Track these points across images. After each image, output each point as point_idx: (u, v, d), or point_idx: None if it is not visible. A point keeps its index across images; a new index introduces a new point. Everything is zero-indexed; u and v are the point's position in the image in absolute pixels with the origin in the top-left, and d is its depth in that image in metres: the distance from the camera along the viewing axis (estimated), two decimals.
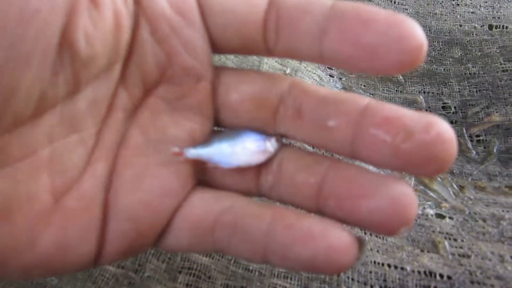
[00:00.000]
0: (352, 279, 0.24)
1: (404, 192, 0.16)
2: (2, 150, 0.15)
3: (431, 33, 0.46)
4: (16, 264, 0.16)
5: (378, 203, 0.16)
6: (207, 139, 0.19)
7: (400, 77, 0.44)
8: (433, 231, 0.28)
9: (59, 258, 0.16)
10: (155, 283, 0.24)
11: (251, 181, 0.19)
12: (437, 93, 0.41)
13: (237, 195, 0.19)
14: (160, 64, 0.18)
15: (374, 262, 0.25)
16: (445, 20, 0.46)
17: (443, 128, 0.15)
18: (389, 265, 0.25)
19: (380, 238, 0.28)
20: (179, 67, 0.18)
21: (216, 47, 0.18)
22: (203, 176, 0.19)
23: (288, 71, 0.38)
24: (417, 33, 0.15)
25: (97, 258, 0.17)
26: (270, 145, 0.19)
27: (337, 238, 0.16)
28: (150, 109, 0.19)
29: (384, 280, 0.24)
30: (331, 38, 0.16)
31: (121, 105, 0.18)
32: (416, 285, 0.24)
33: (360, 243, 0.16)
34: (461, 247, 0.27)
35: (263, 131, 0.19)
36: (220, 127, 0.20)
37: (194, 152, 0.19)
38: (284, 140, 0.19)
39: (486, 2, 0.47)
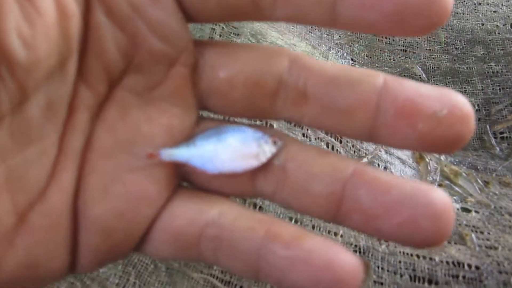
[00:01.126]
0: (382, 268, 0.25)
1: (444, 204, 0.14)
2: None
3: (453, 32, 0.46)
4: None
5: (416, 218, 0.14)
6: (189, 137, 0.16)
7: (423, 75, 0.44)
8: (460, 224, 0.29)
9: (28, 276, 0.15)
10: (191, 270, 0.26)
11: (245, 184, 0.17)
12: (460, 91, 0.42)
13: (226, 202, 0.16)
14: (123, 51, 0.15)
15: (403, 252, 0.26)
16: (467, 19, 0.47)
17: (465, 106, 0.15)
18: (417, 256, 0.26)
19: None
20: (146, 52, 0.15)
21: (194, 16, 0.16)
22: (186, 177, 0.17)
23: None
24: None
25: (70, 270, 0.16)
26: (265, 148, 0.16)
27: (342, 265, 0.14)
28: (118, 105, 0.16)
29: (413, 270, 0.25)
30: (348, 3, 0.14)
31: (84, 104, 0.15)
32: (445, 275, 0.25)
33: (366, 266, 0.16)
34: (488, 240, 0.28)
35: (258, 129, 0.17)
36: (213, 115, 0.18)
37: (171, 154, 0.16)
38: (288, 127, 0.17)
39: (508, 1, 0.47)
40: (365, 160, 0.33)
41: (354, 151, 0.33)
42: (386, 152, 0.34)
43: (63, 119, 0.15)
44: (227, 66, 0.16)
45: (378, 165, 0.33)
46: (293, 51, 0.16)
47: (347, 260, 0.14)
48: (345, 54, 0.46)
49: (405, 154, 0.35)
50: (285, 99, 0.16)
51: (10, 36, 0.12)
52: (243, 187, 0.17)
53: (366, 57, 0.45)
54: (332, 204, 0.15)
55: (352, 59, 0.46)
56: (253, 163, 0.16)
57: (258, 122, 0.21)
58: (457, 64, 0.44)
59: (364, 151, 0.33)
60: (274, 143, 0.16)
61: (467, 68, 0.43)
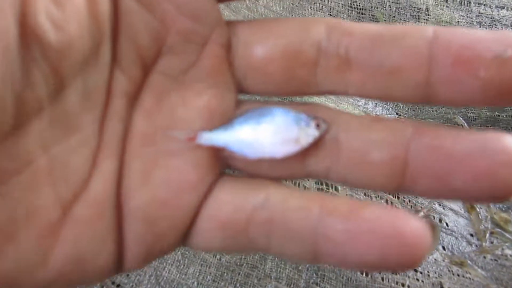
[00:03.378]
0: None
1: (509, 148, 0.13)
2: None
3: None
4: (30, 284, 0.14)
5: (493, 167, 0.13)
6: (229, 119, 0.16)
7: (465, 124, 0.48)
8: None
9: (76, 271, 0.15)
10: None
11: (295, 164, 0.16)
12: None
13: (272, 184, 0.16)
14: (155, 33, 0.15)
15: None
16: None
17: None
18: None
19: (467, 278, 0.32)
20: (177, 33, 0.15)
21: None
22: (229, 162, 0.17)
23: None
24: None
25: (117, 267, 0.16)
26: (308, 131, 0.15)
27: (409, 231, 0.13)
28: (154, 90, 0.16)
29: None
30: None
31: (120, 91, 0.15)
32: None
33: (433, 228, 0.15)
34: None
35: (301, 110, 0.16)
36: (252, 96, 0.17)
37: (209, 137, 0.15)
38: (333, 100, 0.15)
39: None
40: (421, 214, 0.37)
41: (411, 206, 0.38)
42: (440, 205, 0.38)
43: (101, 107, 0.15)
44: (261, 40, 0.16)
45: (433, 217, 0.37)
46: (330, 18, 0.16)
47: (414, 225, 0.13)
48: (390, 109, 0.50)
49: (457, 205, 0.39)
50: (327, 68, 0.15)
51: (40, 18, 0.12)
52: (292, 168, 0.16)
53: (410, 110, 0.49)
54: (396, 170, 0.14)
55: (397, 113, 0.50)
56: (294, 148, 0.15)
57: (300, 100, 0.19)
58: (496, 113, 0.47)
59: (420, 205, 0.38)
60: (318, 126, 0.15)
61: (506, 116, 0.47)
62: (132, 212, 0.16)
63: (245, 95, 0.17)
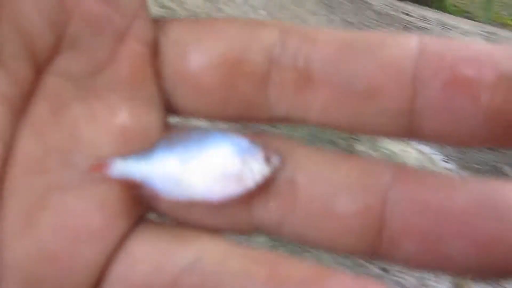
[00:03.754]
0: None
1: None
2: None
3: None
4: None
5: (493, 231, 0.10)
6: (151, 145, 0.12)
7: None
8: None
9: None
10: None
11: (237, 213, 0.12)
12: None
13: (208, 237, 0.12)
14: (51, 18, 0.11)
15: None
16: None
17: None
18: None
19: None
20: (83, 19, 0.11)
21: None
22: (151, 203, 0.12)
23: None
24: None
25: None
26: (254, 166, 0.11)
27: None
28: (49, 97, 0.12)
29: None
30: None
31: (0, 96, 0.11)
32: None
33: None
34: None
35: (245, 137, 0.12)
36: (185, 119, 0.13)
37: (122, 167, 0.11)
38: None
39: None
40: None
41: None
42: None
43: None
44: (197, 43, 0.12)
45: None
46: (286, 22, 0.13)
47: None
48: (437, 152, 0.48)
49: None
50: (281, 85, 0.12)
51: None
52: (234, 217, 0.12)
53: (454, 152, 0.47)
54: (369, 227, 0.11)
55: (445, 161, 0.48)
56: (236, 188, 0.11)
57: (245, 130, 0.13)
58: None
59: None
60: (268, 159, 0.11)
61: None
62: (8, 268, 0.11)
63: (176, 117, 0.13)
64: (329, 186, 0.11)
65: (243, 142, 0.12)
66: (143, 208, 0.12)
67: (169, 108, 0.13)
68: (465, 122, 0.10)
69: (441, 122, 0.10)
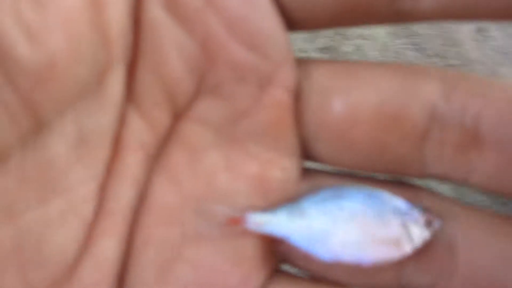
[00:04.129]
0: None
1: None
2: None
3: None
4: None
5: None
6: (291, 198, 0.11)
7: None
8: None
9: None
10: None
11: (384, 273, 0.11)
12: None
13: None
14: (192, 62, 0.11)
15: None
16: None
17: None
18: None
19: None
20: (226, 66, 0.11)
21: (297, 21, 0.11)
22: (287, 257, 0.12)
23: None
24: None
25: None
26: (414, 230, 0.10)
27: None
28: (186, 144, 0.11)
29: None
30: None
31: (136, 142, 0.11)
32: None
33: None
34: None
35: (402, 195, 0.11)
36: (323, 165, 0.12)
37: (262, 221, 0.11)
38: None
39: None
40: None
41: None
42: None
43: (104, 162, 0.11)
44: (346, 91, 0.11)
45: None
46: (446, 70, 0.11)
47: None
48: None
49: None
50: (441, 144, 0.11)
51: (6, 20, 0.08)
52: (381, 278, 0.11)
53: None
54: None
55: None
56: (392, 252, 0.10)
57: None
58: None
59: None
60: (429, 223, 0.11)
61: None
62: None
63: (313, 163, 0.12)
64: (493, 256, 0.10)
65: (403, 203, 0.11)
66: (279, 259, 0.12)
67: (307, 154, 0.12)
68: None
69: None
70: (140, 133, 0.11)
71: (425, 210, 0.11)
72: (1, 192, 0.09)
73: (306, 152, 0.12)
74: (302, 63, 0.11)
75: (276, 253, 0.12)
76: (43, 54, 0.09)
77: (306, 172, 0.12)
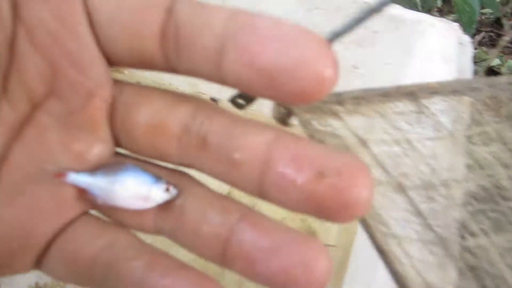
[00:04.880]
0: None
1: (315, 253, 0.15)
2: None
3: None
4: None
5: (287, 263, 0.15)
6: (99, 166, 0.17)
7: None
8: None
9: None
10: None
11: (146, 220, 0.17)
12: None
13: (122, 231, 0.17)
14: (45, 76, 0.16)
15: None
16: None
17: (359, 172, 0.14)
18: None
19: None
20: (65, 82, 0.16)
21: (111, 61, 0.17)
22: (95, 205, 0.18)
23: None
24: (325, 56, 0.13)
25: None
26: (156, 193, 0.17)
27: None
28: (37, 126, 0.17)
29: None
30: (228, 59, 0.14)
31: (4, 121, 0.16)
32: None
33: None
34: None
35: (158, 176, 0.17)
36: (124, 153, 0.18)
37: (74, 178, 0.17)
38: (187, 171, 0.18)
39: None
40: None
41: None
42: None
43: None
44: (138, 108, 0.17)
45: None
46: (203, 99, 0.17)
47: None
48: None
49: None
50: (188, 144, 0.16)
51: None
52: (144, 222, 0.18)
53: None
54: (219, 246, 0.16)
55: None
56: (142, 204, 0.17)
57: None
58: None
59: None
60: (167, 190, 0.17)
61: None
62: None
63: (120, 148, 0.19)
64: (201, 215, 0.17)
65: (153, 177, 0.17)
66: (88, 206, 0.18)
67: (118, 144, 0.18)
68: (290, 196, 0.15)
69: (277, 192, 0.15)
70: (7, 116, 0.17)
71: (167, 182, 0.17)
72: None
73: (116, 141, 0.18)
74: (118, 83, 0.18)
75: (85, 200, 0.18)
76: None
77: (116, 154, 0.18)
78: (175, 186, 0.17)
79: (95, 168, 0.17)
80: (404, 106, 0.20)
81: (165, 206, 0.17)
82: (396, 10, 0.40)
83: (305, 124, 0.19)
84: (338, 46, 0.49)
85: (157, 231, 0.18)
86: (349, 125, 0.20)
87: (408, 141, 0.20)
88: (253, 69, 0.14)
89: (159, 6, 0.15)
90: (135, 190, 0.17)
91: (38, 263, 0.17)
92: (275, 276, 0.15)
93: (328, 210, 0.14)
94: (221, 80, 0.15)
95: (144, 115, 0.17)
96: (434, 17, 0.39)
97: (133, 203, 0.17)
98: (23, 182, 0.17)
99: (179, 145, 0.17)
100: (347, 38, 0.47)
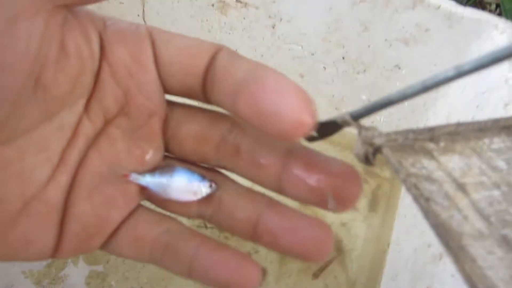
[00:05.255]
0: None
1: (323, 232, 0.20)
2: None
3: None
4: None
5: (302, 239, 0.20)
6: (155, 168, 0.22)
7: None
8: None
9: (23, 250, 0.20)
10: None
11: (192, 208, 0.23)
12: None
13: (175, 220, 0.23)
14: (118, 101, 0.21)
15: None
16: None
17: (353, 174, 0.19)
18: None
19: None
20: (134, 105, 0.21)
21: (167, 90, 0.21)
22: (150, 198, 0.23)
23: None
24: (306, 109, 0.17)
25: (53, 253, 0.21)
26: (203, 188, 0.22)
27: (247, 269, 0.21)
28: (109, 137, 0.21)
29: None
30: (240, 99, 0.18)
31: (84, 132, 0.21)
32: None
33: (264, 272, 0.20)
34: None
35: (203, 175, 0.22)
36: (172, 156, 0.23)
37: (137, 178, 0.22)
38: (225, 172, 0.22)
39: None
40: None
41: None
42: None
43: (67, 139, 0.21)
44: (185, 122, 0.22)
45: None
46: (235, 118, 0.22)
47: (252, 266, 0.21)
48: None
49: None
50: (224, 151, 0.21)
51: (49, 76, 0.18)
52: (190, 210, 0.23)
53: None
54: (250, 227, 0.21)
55: None
56: (192, 197, 0.22)
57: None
58: None
59: None
60: (210, 186, 0.22)
61: None
62: (74, 216, 0.21)
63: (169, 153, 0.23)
64: (236, 205, 0.22)
65: (199, 176, 0.22)
66: (144, 198, 0.23)
67: (167, 149, 0.23)
68: (302, 191, 0.20)
69: (291, 188, 0.21)
70: (86, 128, 0.21)
71: (210, 180, 0.22)
72: (18, 146, 0.19)
73: (167, 148, 0.23)
74: (170, 104, 0.22)
75: (145, 194, 0.23)
76: (59, 90, 0.19)
77: (166, 157, 0.23)
78: (216, 182, 0.22)
79: (153, 170, 0.22)
80: (502, 142, 0.18)
81: (207, 197, 0.22)
82: (451, 6, 0.36)
83: (397, 169, 0.17)
84: (382, 44, 0.45)
85: (199, 216, 0.23)
86: (444, 166, 0.17)
87: (509, 184, 0.17)
88: (254, 109, 0.17)
89: (207, 54, 0.20)
90: (186, 186, 0.22)
91: (105, 245, 0.22)
92: (294, 247, 0.20)
93: (326, 202, 0.20)
94: (236, 114, 0.19)
95: (191, 129, 0.22)
96: (496, 17, 0.35)
97: (185, 196, 0.22)
98: (98, 181, 0.21)
99: (218, 151, 0.22)
100: (393, 35, 0.43)
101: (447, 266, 0.29)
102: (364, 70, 0.43)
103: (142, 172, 0.22)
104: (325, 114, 0.19)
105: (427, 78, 0.17)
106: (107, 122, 0.21)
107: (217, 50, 0.20)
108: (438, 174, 0.17)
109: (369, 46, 0.41)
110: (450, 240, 0.14)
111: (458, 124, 0.18)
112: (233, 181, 0.23)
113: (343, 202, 0.19)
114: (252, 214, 0.21)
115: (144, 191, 0.22)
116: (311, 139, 0.20)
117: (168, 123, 0.22)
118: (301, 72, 0.46)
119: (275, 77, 0.18)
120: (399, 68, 0.41)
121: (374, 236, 0.47)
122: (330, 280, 0.45)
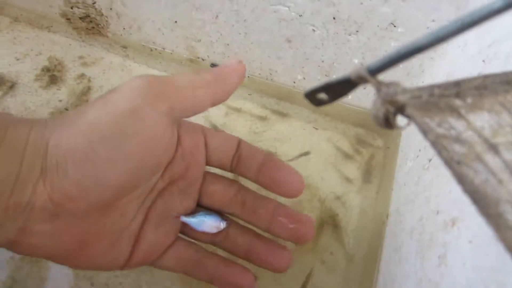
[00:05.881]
0: None
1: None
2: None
3: None
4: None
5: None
6: (192, 212, 0.34)
7: None
8: None
9: (111, 264, 0.30)
10: None
11: (210, 237, 0.35)
12: None
13: (197, 245, 0.35)
14: (181, 170, 0.32)
15: None
16: None
17: (311, 222, 0.35)
18: None
19: None
20: (190, 173, 0.33)
21: (206, 163, 0.34)
22: (185, 232, 0.35)
23: None
24: (298, 182, 0.34)
25: (124, 265, 0.31)
26: (222, 224, 0.34)
27: (246, 275, 0.34)
28: (170, 192, 0.33)
29: None
30: (260, 173, 0.33)
31: (157, 188, 0.32)
32: None
33: (255, 277, 0.34)
34: None
35: (222, 216, 0.35)
36: (201, 204, 0.35)
37: (183, 218, 0.34)
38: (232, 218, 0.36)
39: None
40: None
41: None
42: None
43: (146, 193, 0.31)
44: (211, 184, 0.35)
45: None
46: (242, 183, 0.36)
47: (248, 275, 0.35)
48: None
49: None
50: (234, 203, 0.35)
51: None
52: (209, 238, 0.35)
53: None
54: (244, 250, 0.35)
55: None
56: (215, 230, 0.34)
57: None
58: None
59: None
60: (227, 223, 0.35)
61: None
62: (143, 241, 0.32)
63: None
64: (239, 239, 0.36)
65: (219, 217, 0.35)
66: (181, 232, 0.36)
67: (200, 198, 0.36)
68: (283, 231, 0.35)
69: (276, 228, 0.36)
70: (159, 186, 0.32)
71: (226, 220, 0.35)
72: (126, 203, 0.30)
73: (199, 201, 0.35)
74: (205, 173, 0.36)
75: (183, 229, 0.35)
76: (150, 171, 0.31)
77: (199, 204, 0.35)
78: (228, 221, 0.35)
79: (191, 213, 0.34)
80: None
81: (219, 232, 0.35)
82: None
83: (424, 130, 0.15)
84: (377, 0, 0.41)
85: (211, 243, 0.36)
86: (474, 125, 0.16)
87: None
88: (269, 178, 0.33)
89: (235, 143, 0.34)
90: (212, 224, 0.34)
91: (154, 263, 0.33)
92: (268, 266, 0.34)
93: (298, 236, 0.34)
94: (257, 182, 0.34)
95: (215, 189, 0.34)
96: None
97: (212, 229, 0.34)
98: (161, 219, 0.32)
99: (230, 203, 0.34)
100: None
101: (462, 232, 0.27)
102: (357, 31, 0.40)
103: (186, 215, 0.34)
104: (314, 81, 0.16)
105: (464, 15, 0.14)
106: (171, 183, 0.32)
107: (240, 141, 0.34)
108: (468, 134, 0.16)
109: (361, 3, 0.38)
110: (487, 207, 0.13)
111: (485, 76, 0.17)
112: (234, 221, 0.36)
113: (304, 237, 0.34)
114: (246, 242, 0.35)
115: (185, 226, 0.34)
116: (320, 103, 0.18)
117: (202, 185, 0.34)
118: (288, 36, 0.43)
119: (282, 164, 0.34)
120: (395, 26, 0.38)
121: (370, 208, 0.45)
122: (327, 257, 0.42)
